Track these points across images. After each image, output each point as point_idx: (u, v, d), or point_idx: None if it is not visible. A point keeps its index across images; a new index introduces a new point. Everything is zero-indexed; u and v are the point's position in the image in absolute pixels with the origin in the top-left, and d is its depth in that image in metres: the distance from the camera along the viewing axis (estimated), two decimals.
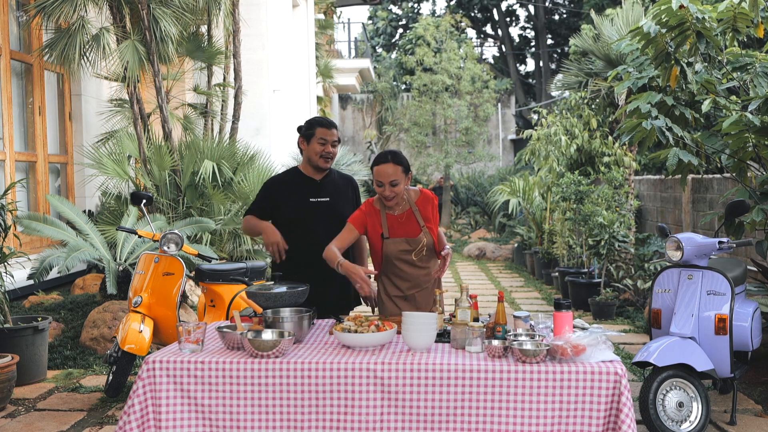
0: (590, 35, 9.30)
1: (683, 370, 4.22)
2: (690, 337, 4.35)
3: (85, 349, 6.14)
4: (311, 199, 4.04)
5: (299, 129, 4.12)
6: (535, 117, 10.44)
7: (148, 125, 7.76)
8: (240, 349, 3.20)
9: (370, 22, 31.37)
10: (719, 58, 5.28)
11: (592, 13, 9.90)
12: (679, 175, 5.41)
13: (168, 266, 5.10)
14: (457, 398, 2.93)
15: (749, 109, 4.92)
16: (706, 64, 5.36)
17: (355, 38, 25.80)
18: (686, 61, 5.23)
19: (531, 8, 30.55)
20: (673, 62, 5.13)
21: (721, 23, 5.03)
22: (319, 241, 3.88)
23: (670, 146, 5.08)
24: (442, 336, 3.37)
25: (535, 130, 10.63)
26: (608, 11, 11.95)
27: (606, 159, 9.17)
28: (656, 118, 5.01)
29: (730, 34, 5.09)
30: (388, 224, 3.89)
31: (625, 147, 9.13)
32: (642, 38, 5.19)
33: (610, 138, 9.17)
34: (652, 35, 5.06)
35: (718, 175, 8.71)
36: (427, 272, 3.93)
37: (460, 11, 28.66)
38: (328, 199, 4.06)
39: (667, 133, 5.01)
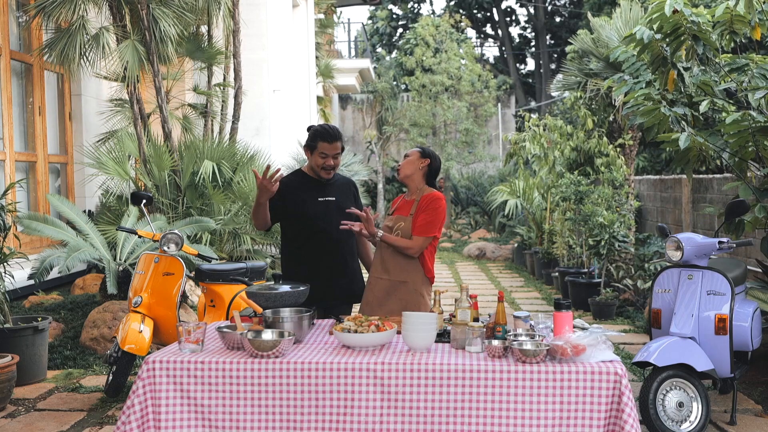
0: (589, 37, 9.31)
1: (683, 370, 4.22)
2: (690, 337, 4.35)
3: (85, 349, 6.14)
4: (320, 199, 4.18)
5: (309, 129, 4.24)
6: (533, 116, 10.54)
7: (148, 125, 7.76)
8: (240, 349, 3.20)
9: (370, 21, 31.35)
10: (716, 60, 5.27)
11: (589, 16, 9.92)
12: (683, 175, 5.39)
13: (168, 266, 5.10)
14: (457, 398, 2.93)
15: (755, 97, 4.87)
16: (703, 67, 5.35)
17: (355, 38, 25.77)
18: (683, 65, 5.22)
19: (531, 8, 30.56)
20: (669, 66, 5.11)
21: (719, 26, 5.02)
22: (329, 236, 4.15)
23: (681, 131, 5.06)
24: (442, 336, 3.37)
25: (520, 132, 10.79)
26: (605, 12, 11.98)
27: (599, 160, 9.18)
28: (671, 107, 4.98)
29: (728, 37, 5.08)
30: (399, 205, 4.25)
31: (619, 149, 9.15)
32: (636, 45, 5.18)
33: (605, 139, 9.17)
34: (646, 41, 5.05)
35: (719, 175, 8.71)
36: (399, 264, 4.05)
37: (460, 11, 28.63)
38: (334, 198, 4.21)
39: (683, 121, 5.00)
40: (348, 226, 4.01)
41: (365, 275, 4.52)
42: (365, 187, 19.56)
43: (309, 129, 4.22)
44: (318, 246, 4.16)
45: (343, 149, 4.22)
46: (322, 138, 4.10)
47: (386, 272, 4.07)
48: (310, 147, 4.16)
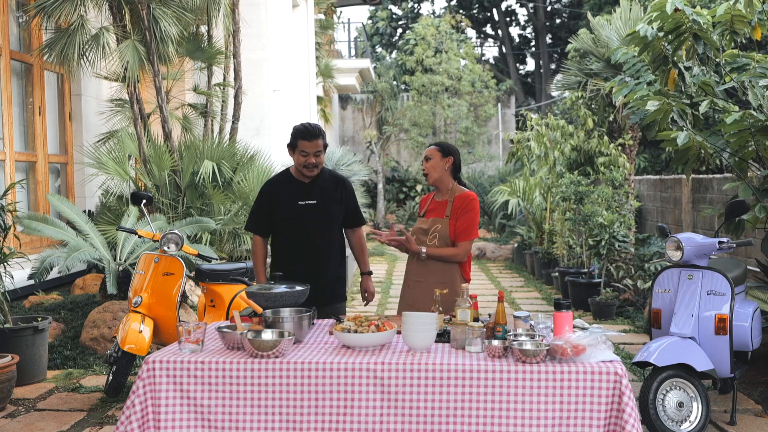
0: (589, 36, 9.31)
1: (683, 370, 4.22)
2: (690, 337, 4.35)
3: (85, 349, 6.14)
4: (299, 202, 4.15)
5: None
6: (533, 116, 10.56)
7: (148, 125, 7.76)
8: (240, 349, 3.20)
9: (370, 21, 31.35)
10: (717, 59, 5.27)
11: (589, 16, 9.92)
12: (683, 176, 5.40)
13: (168, 266, 5.10)
14: (457, 398, 2.93)
15: (760, 84, 4.85)
16: (704, 67, 5.35)
17: (355, 38, 25.75)
18: (684, 65, 5.21)
19: (531, 8, 30.55)
20: (670, 65, 5.11)
21: (719, 26, 5.02)
22: (307, 241, 4.15)
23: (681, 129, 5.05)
24: (442, 336, 3.36)
25: (522, 131, 10.76)
26: (606, 11, 11.99)
27: (601, 159, 9.18)
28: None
29: (728, 37, 5.08)
30: (430, 206, 4.27)
31: (620, 148, 9.15)
32: (639, 42, 5.17)
33: (606, 138, 9.18)
34: (650, 39, 5.04)
35: (719, 175, 8.71)
36: (438, 267, 4.09)
37: (460, 11, 28.62)
38: (315, 201, 4.16)
39: (687, 115, 5.00)
40: (376, 237, 4.15)
41: (361, 276, 4.50)
42: (365, 187, 19.53)
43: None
44: (300, 249, 4.14)
45: (325, 147, 4.16)
46: (302, 136, 4.08)
47: (425, 276, 4.11)
48: (291, 146, 4.15)
